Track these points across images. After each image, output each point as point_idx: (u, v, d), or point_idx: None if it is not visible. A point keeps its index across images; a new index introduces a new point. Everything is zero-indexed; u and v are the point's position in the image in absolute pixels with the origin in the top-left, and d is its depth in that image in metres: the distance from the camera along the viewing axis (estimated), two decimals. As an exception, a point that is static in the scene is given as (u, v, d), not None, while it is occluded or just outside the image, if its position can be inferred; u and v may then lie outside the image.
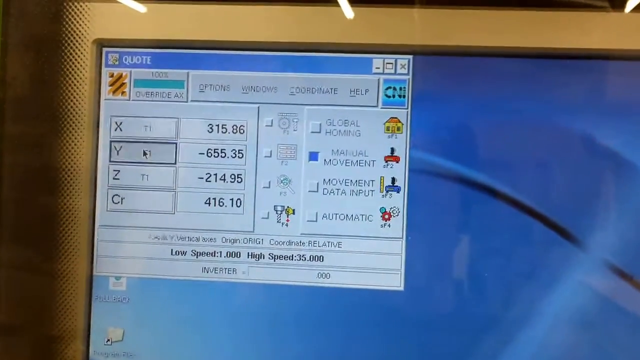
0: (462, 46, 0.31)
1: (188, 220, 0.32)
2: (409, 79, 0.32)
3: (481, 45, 0.31)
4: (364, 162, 0.32)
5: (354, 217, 0.32)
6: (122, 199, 0.33)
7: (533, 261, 0.31)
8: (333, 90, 0.32)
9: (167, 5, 0.32)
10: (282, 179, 0.32)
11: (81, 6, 0.33)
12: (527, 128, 0.31)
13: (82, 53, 0.33)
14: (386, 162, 0.32)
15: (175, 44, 0.33)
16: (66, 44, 0.33)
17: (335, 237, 0.32)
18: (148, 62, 0.33)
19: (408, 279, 0.31)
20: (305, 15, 0.32)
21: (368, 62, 0.32)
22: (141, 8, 0.32)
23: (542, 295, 0.31)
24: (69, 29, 0.33)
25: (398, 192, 0.32)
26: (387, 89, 0.32)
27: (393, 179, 0.32)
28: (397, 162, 0.32)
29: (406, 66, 0.32)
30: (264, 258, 0.32)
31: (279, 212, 0.32)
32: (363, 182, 0.32)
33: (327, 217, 0.32)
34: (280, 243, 0.32)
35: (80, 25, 0.33)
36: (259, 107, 0.32)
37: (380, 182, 0.32)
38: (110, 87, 0.33)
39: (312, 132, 0.32)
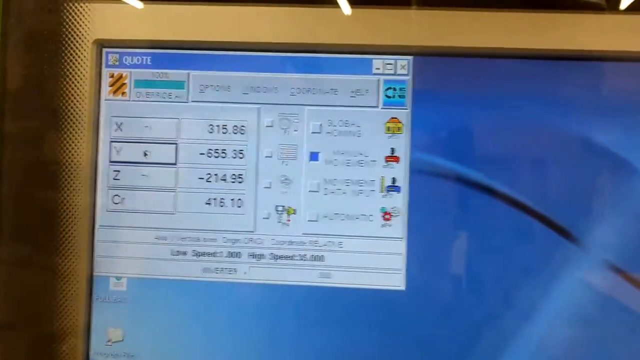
0: (462, 47, 0.31)
1: (189, 220, 0.32)
2: (409, 79, 0.32)
3: (480, 47, 0.31)
4: (364, 162, 0.32)
5: (354, 217, 0.32)
6: (122, 199, 0.33)
7: (533, 260, 0.31)
8: (333, 90, 0.32)
9: (168, 5, 0.33)
10: (282, 179, 0.32)
11: (81, 6, 0.33)
12: (526, 128, 0.31)
13: (82, 53, 0.33)
14: (386, 162, 0.32)
15: (175, 45, 0.33)
16: (66, 45, 0.33)
17: (336, 237, 0.32)
18: (148, 63, 0.33)
19: (409, 278, 0.31)
20: (305, 16, 0.32)
21: (368, 63, 0.32)
22: (141, 8, 0.32)
23: (542, 294, 0.31)
24: (69, 29, 0.33)
25: (398, 192, 0.32)
26: (387, 89, 0.32)
27: (393, 179, 0.32)
28: (398, 162, 0.32)
29: (406, 67, 0.32)
30: (264, 258, 0.32)
31: (279, 212, 0.32)
32: (364, 182, 0.32)
33: (328, 217, 0.32)
34: (281, 243, 0.32)
35: (80, 25, 0.33)
36: (259, 108, 0.32)
37: (381, 182, 0.32)
38: (111, 88, 0.33)
39: (313, 132, 0.32)
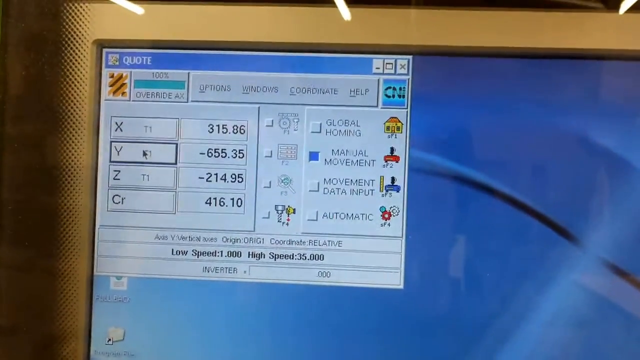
0: (462, 46, 0.31)
1: (189, 220, 0.32)
2: (408, 79, 0.32)
3: (480, 46, 0.31)
4: (364, 161, 0.32)
5: (354, 217, 0.32)
6: (122, 199, 0.33)
7: (531, 259, 0.31)
8: (333, 90, 0.32)
9: (167, 5, 0.33)
10: (282, 178, 0.32)
11: (81, 7, 0.33)
12: (525, 128, 0.31)
13: (82, 54, 0.33)
14: (386, 161, 0.32)
15: (175, 45, 0.33)
16: (66, 45, 0.33)
17: (336, 236, 0.32)
18: (148, 63, 0.33)
19: (408, 277, 0.32)
20: (305, 15, 0.32)
21: (368, 63, 0.32)
22: (141, 9, 0.33)
23: (541, 294, 0.31)
24: (69, 29, 0.33)
25: (398, 191, 0.32)
26: (387, 89, 0.32)
27: (393, 179, 0.32)
28: (397, 161, 0.32)
29: (406, 66, 0.32)
30: (264, 257, 0.32)
31: (279, 212, 0.32)
32: (363, 181, 0.32)
33: (328, 216, 0.32)
34: (281, 242, 0.32)
35: (80, 25, 0.33)
36: (259, 107, 0.32)
37: (380, 182, 0.32)
38: (111, 88, 0.33)
39: (313, 132, 0.32)
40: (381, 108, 0.32)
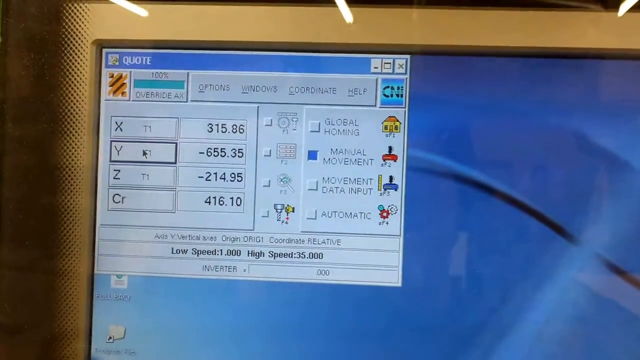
0: (459, 46, 0.32)
1: (188, 219, 0.33)
2: (406, 78, 0.32)
3: (478, 45, 0.31)
4: (362, 160, 0.32)
5: (352, 215, 0.32)
6: (122, 198, 0.33)
7: (529, 257, 0.31)
8: (332, 89, 0.32)
9: (167, 5, 0.33)
10: (281, 177, 0.32)
11: (80, 7, 0.33)
12: (523, 127, 0.32)
13: (82, 54, 0.33)
14: (384, 160, 0.32)
15: (174, 45, 0.33)
16: (66, 45, 0.33)
17: (335, 235, 0.32)
18: (148, 63, 0.33)
19: (406, 275, 0.32)
20: (304, 15, 0.32)
21: (366, 62, 0.32)
22: (141, 9, 0.33)
23: (538, 291, 0.31)
24: (69, 29, 0.33)
25: (396, 190, 0.32)
26: (385, 88, 0.32)
27: (391, 177, 0.32)
28: (395, 160, 0.32)
29: (404, 66, 0.32)
30: (264, 256, 0.32)
31: (278, 211, 0.32)
32: (361, 180, 0.32)
33: (327, 215, 0.32)
34: (280, 241, 0.32)
35: (79, 26, 0.33)
36: (258, 107, 0.33)
37: (378, 181, 0.32)
38: (111, 88, 0.33)
39: (311, 131, 0.32)
40: (379, 107, 0.32)
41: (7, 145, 0.33)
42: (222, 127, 0.33)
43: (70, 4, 0.33)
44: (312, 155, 0.32)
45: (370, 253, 0.32)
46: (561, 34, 0.31)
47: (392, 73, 0.32)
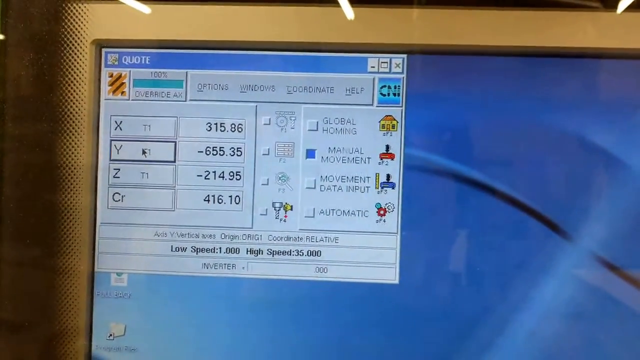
0: (456, 45, 0.32)
1: (188, 217, 0.33)
2: (403, 77, 0.32)
3: (474, 45, 0.32)
4: (359, 159, 0.32)
5: (350, 213, 0.32)
6: (122, 196, 0.33)
7: (524, 255, 0.32)
8: (329, 89, 0.33)
9: (166, 5, 0.33)
10: (280, 176, 0.33)
11: (80, 7, 0.33)
12: (519, 125, 0.32)
13: (81, 53, 0.33)
14: (381, 159, 0.32)
15: (173, 44, 0.33)
16: (66, 45, 0.33)
17: (332, 233, 0.33)
18: (147, 62, 0.33)
19: (403, 272, 0.32)
20: (301, 15, 0.32)
21: (363, 62, 0.32)
22: (140, 9, 0.33)
23: (534, 288, 0.32)
24: (68, 29, 0.33)
25: (393, 188, 0.32)
26: (382, 87, 0.32)
27: (388, 176, 0.32)
28: (392, 159, 0.32)
29: (400, 65, 0.32)
30: (262, 254, 0.33)
31: (277, 209, 0.33)
32: (359, 178, 0.32)
33: (324, 213, 0.33)
34: (279, 239, 0.33)
35: (79, 26, 0.33)
36: (256, 106, 0.33)
37: (376, 179, 0.32)
38: (110, 87, 0.33)
39: (309, 130, 0.33)
40: (376, 106, 0.32)
41: (7, 145, 0.34)
42: (221, 126, 0.33)
43: (69, 4, 0.33)
44: (310, 153, 0.33)
45: (367, 250, 0.32)
46: (557, 33, 0.31)
47: (389, 72, 0.32)
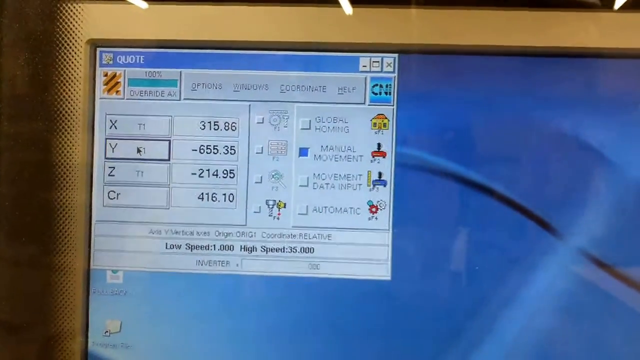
0: (447, 45, 0.32)
1: (182, 214, 0.33)
2: (394, 76, 0.33)
3: (464, 44, 0.32)
4: (352, 157, 0.33)
5: (342, 210, 0.33)
6: (117, 194, 0.34)
7: (515, 252, 0.32)
8: (322, 88, 0.33)
9: (160, 5, 0.33)
10: (273, 174, 0.33)
11: (75, 7, 0.33)
12: (508, 123, 0.32)
13: (76, 53, 0.33)
14: (373, 157, 0.33)
15: (168, 44, 0.33)
16: (61, 44, 0.33)
17: (325, 230, 0.33)
18: (142, 62, 0.34)
19: (395, 268, 0.33)
20: (294, 15, 0.33)
21: (355, 61, 0.33)
22: (134, 9, 0.33)
23: (525, 285, 0.32)
24: (63, 29, 0.33)
25: (384, 185, 0.33)
26: (373, 86, 0.33)
27: (380, 174, 0.33)
28: (384, 157, 0.33)
29: (392, 64, 0.33)
30: (256, 251, 0.33)
31: (270, 206, 0.33)
32: (351, 176, 0.33)
33: (317, 210, 0.33)
34: (272, 236, 0.33)
35: (74, 25, 0.33)
36: (250, 105, 0.33)
37: (368, 177, 0.33)
38: (105, 86, 0.34)
39: (302, 128, 0.33)
40: (368, 105, 0.33)
41: (3, 143, 0.34)
42: (215, 125, 0.33)
43: (64, 4, 0.33)
44: (303, 152, 0.33)
45: (360, 247, 0.33)
46: (547, 33, 0.32)
47: (381, 72, 0.33)
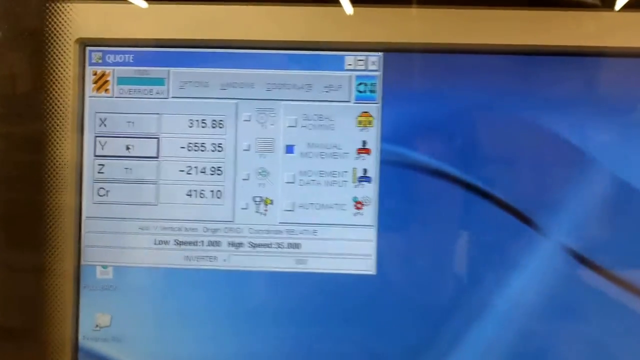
0: (430, 43, 0.33)
1: (170, 211, 0.34)
2: (379, 75, 0.33)
3: (449, 43, 0.32)
4: (337, 154, 0.33)
5: (328, 207, 0.33)
6: (107, 191, 0.34)
7: (498, 247, 0.33)
8: (308, 86, 0.33)
9: (149, 5, 0.34)
10: (260, 171, 0.34)
11: (64, 6, 0.34)
12: (491, 121, 0.33)
13: (65, 52, 0.34)
14: (358, 154, 0.33)
15: (156, 43, 0.34)
16: (50, 44, 0.34)
17: (311, 226, 0.33)
18: (130, 61, 0.34)
19: (380, 263, 0.33)
20: (279, 14, 0.33)
21: (340, 60, 0.33)
22: (123, 8, 0.34)
23: (507, 279, 0.33)
24: (52, 28, 0.34)
25: (369, 182, 0.33)
26: (358, 84, 0.33)
27: (365, 170, 0.33)
28: (369, 154, 0.33)
29: (377, 63, 0.33)
30: (243, 246, 0.34)
31: (257, 203, 0.34)
32: (337, 173, 0.33)
33: (303, 206, 0.33)
34: (259, 232, 0.34)
35: (63, 25, 0.34)
36: (237, 103, 0.34)
37: (353, 173, 0.33)
38: (94, 85, 0.34)
39: (289, 126, 0.33)
40: (353, 103, 0.33)
41: (-6, 142, 0.34)
42: (202, 123, 0.34)
43: (53, 4, 0.34)
44: (289, 149, 0.34)
45: (345, 243, 0.33)
46: (532, 31, 0.32)
47: (366, 70, 0.33)
